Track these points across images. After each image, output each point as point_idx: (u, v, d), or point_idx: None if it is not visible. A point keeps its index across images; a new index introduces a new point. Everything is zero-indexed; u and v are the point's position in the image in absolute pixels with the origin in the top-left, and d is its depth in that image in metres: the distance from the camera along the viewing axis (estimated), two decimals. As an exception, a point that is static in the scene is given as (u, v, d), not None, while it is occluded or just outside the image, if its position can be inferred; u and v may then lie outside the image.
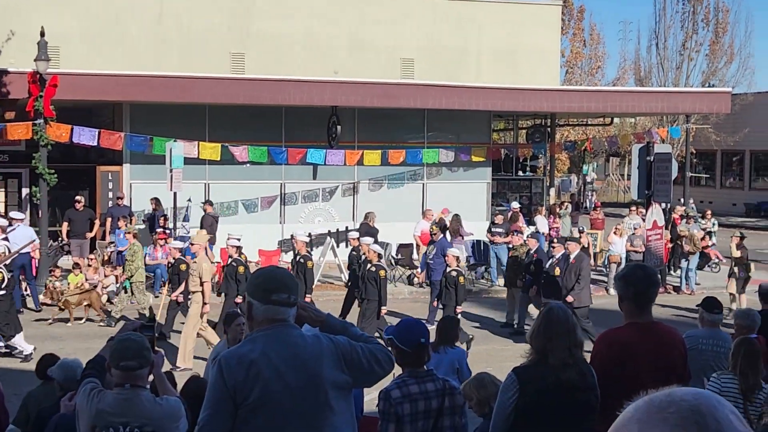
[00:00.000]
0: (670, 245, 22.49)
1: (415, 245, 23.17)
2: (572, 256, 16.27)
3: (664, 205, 24.41)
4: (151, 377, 5.29)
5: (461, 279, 16.08)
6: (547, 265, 16.97)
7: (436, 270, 18.18)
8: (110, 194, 23.38)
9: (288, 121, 24.27)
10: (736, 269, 19.29)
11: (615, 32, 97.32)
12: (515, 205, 25.36)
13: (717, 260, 25.24)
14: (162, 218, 21.74)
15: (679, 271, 22.95)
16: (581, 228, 24.78)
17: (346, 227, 24.65)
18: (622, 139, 30.66)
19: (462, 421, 5.87)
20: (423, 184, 25.68)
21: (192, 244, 16.37)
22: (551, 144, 27.99)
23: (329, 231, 24.42)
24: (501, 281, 22.34)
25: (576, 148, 31.53)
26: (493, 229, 22.66)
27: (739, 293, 19.15)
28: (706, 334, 9.25)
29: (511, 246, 19.42)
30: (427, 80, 24.54)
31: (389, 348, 5.10)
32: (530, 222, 26.47)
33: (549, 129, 28.57)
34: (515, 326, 17.73)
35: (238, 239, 16.51)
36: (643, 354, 5.68)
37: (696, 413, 1.71)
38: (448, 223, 22.31)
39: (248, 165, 23.20)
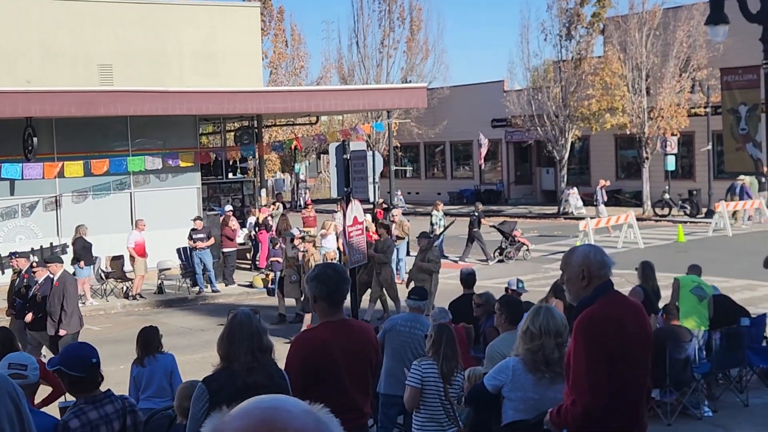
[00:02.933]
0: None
1: (128, 257, 22.45)
2: (56, 278, 14.05)
3: (381, 199, 25.09)
4: None
5: None
6: (31, 292, 14.53)
7: None
8: None
9: (-22, 135, 22.71)
10: None
11: (318, 31, 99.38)
12: (228, 208, 25.26)
13: (527, 246, 26.25)
14: None
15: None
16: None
17: (51, 243, 23.51)
18: (329, 136, 31.30)
19: None
20: (131, 193, 24.88)
21: None
22: (260, 145, 28.08)
23: (32, 249, 23.09)
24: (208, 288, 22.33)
25: (284, 148, 31.86)
26: (194, 235, 22.45)
27: None
28: (405, 318, 10.17)
29: (15, 269, 16.51)
30: (128, 86, 23.82)
31: (60, 379, 4.86)
32: (244, 225, 26.52)
33: (257, 130, 28.66)
34: None
35: None
36: (339, 351, 5.82)
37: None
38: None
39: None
